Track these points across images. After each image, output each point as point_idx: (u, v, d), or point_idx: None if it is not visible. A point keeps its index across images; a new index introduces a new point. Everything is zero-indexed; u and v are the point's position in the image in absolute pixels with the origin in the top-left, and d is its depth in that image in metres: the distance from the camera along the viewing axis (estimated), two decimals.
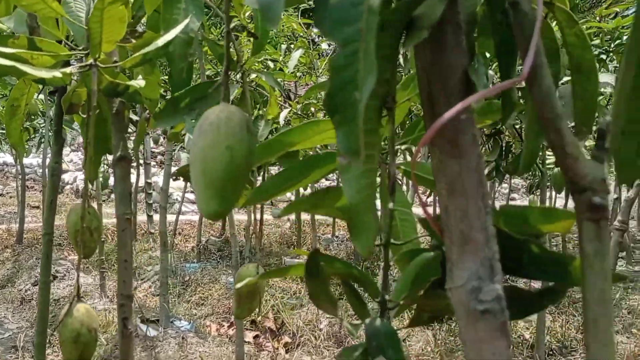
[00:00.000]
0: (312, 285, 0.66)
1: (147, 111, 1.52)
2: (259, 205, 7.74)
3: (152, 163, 9.28)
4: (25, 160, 10.61)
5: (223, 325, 3.93)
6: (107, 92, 1.06)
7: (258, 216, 7.20)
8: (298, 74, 4.78)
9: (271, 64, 4.17)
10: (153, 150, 10.98)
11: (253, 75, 3.30)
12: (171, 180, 10.21)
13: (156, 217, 6.07)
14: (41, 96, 5.19)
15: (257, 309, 1.39)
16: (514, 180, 12.14)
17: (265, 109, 1.82)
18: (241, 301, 1.35)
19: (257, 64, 3.63)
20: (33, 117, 5.28)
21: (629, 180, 0.60)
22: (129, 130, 5.07)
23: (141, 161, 6.90)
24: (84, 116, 1.24)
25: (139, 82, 1.12)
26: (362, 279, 0.76)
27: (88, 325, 0.93)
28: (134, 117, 3.17)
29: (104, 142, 1.29)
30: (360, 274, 0.76)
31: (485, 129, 2.97)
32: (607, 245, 0.47)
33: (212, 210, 0.62)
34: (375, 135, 0.55)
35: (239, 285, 1.01)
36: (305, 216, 7.25)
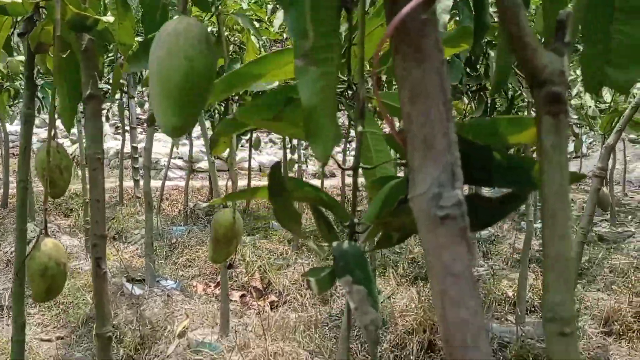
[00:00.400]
0: (276, 204, 0.65)
1: (122, 57, 1.49)
2: (246, 172, 7.71)
3: (139, 130, 9.19)
4: (11, 128, 10.46)
5: (210, 286, 3.95)
6: (74, 25, 1.02)
7: (245, 182, 7.20)
8: (285, 35, 4.70)
9: (256, 24, 4.08)
10: (139, 117, 10.86)
11: (239, 35, 3.24)
12: (156, 143, 10.09)
13: (143, 182, 6.04)
14: (22, 58, 5.07)
15: (233, 254, 1.39)
16: None
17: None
18: (217, 245, 1.34)
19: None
20: (15, 79, 5.16)
21: (596, 88, 0.59)
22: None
23: (127, 127, 6.83)
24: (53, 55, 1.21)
25: (108, 18, 1.09)
26: (331, 204, 0.75)
27: (56, 259, 0.92)
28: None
29: (77, 86, 1.25)
30: (329, 199, 0.75)
31: (471, 85, 2.95)
32: (565, 139, 0.46)
33: (171, 125, 0.60)
34: (333, 38, 0.53)
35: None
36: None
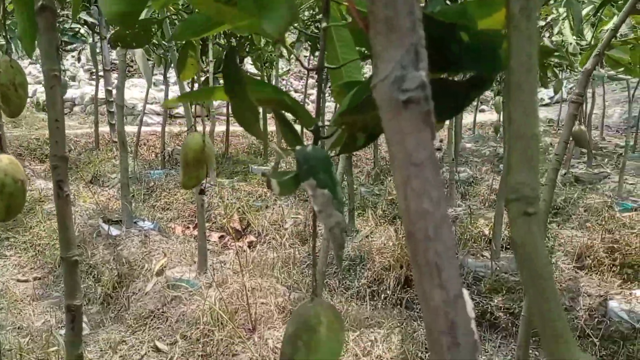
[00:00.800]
0: (233, 98, 0.61)
1: None
2: (224, 117, 7.63)
3: (114, 76, 8.92)
4: None
5: (188, 227, 3.94)
6: None
7: (224, 127, 7.11)
8: None
9: None
10: (114, 61, 10.54)
11: None
12: (133, 88, 9.83)
13: (116, 121, 5.92)
14: None
15: (204, 179, 1.35)
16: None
17: None
18: (188, 169, 1.31)
19: None
20: None
21: None
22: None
23: (101, 72, 6.64)
24: None
25: None
26: (294, 108, 0.72)
27: (13, 176, 0.88)
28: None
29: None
30: (293, 102, 0.72)
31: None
32: (534, 5, 0.43)
33: (114, 10, 0.56)
34: None
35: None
36: (272, 128, 7.17)
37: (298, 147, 0.70)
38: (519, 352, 1.90)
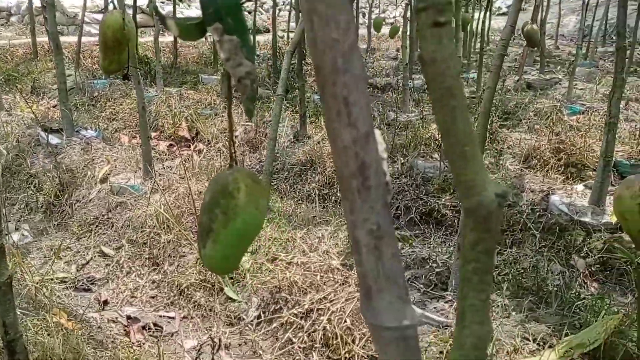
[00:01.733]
0: None
1: None
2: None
3: None
4: None
5: (135, 137, 3.81)
6: None
7: (172, 38, 6.78)
8: None
9: None
10: None
11: None
12: None
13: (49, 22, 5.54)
14: None
15: (126, 64, 1.25)
16: None
17: None
18: (107, 51, 1.21)
19: None
20: None
21: None
22: None
23: None
24: None
25: None
26: None
27: None
28: None
29: None
30: None
31: None
32: None
33: None
34: None
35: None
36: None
37: None
38: (459, 240, 1.95)
